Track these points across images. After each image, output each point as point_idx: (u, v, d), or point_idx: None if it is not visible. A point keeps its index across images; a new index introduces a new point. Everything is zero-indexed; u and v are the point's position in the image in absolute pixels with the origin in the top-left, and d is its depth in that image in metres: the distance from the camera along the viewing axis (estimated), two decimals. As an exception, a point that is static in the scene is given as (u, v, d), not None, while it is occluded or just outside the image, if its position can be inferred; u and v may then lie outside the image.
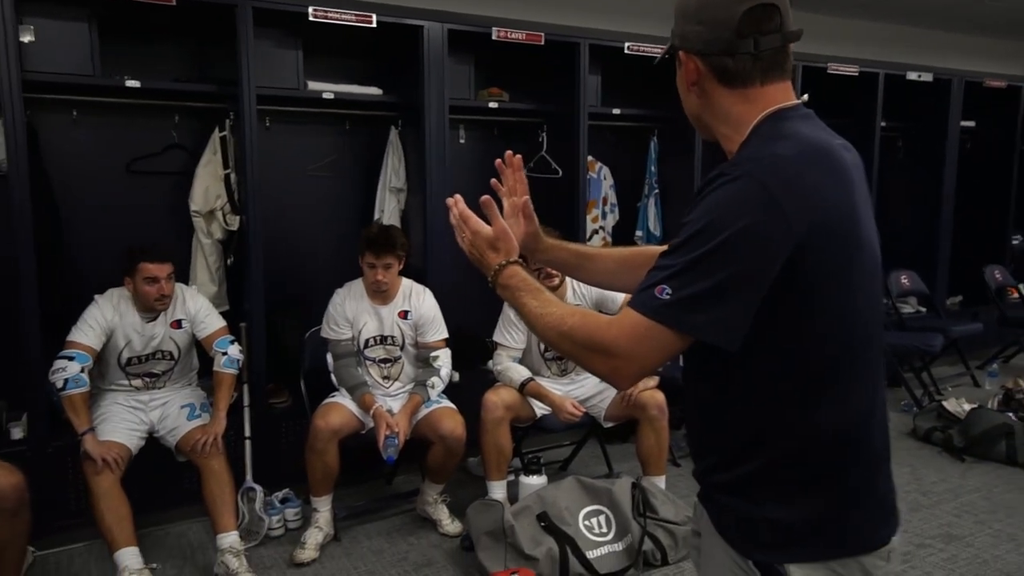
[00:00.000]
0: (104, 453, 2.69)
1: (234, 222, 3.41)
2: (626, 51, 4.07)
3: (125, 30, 3.32)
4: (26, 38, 3.00)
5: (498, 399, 3.15)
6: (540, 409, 3.28)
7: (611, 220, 4.58)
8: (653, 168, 4.50)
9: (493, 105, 3.99)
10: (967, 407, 4.22)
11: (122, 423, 2.87)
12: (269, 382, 3.46)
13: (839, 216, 1.08)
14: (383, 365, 3.25)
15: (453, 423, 3.09)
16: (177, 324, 3.00)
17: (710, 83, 1.16)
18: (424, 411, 3.15)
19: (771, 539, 1.13)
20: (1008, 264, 5.95)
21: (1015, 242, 6.23)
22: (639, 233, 4.53)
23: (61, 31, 3.12)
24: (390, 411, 3.08)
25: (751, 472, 1.14)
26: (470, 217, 1.33)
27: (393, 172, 3.82)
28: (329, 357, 3.23)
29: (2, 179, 2.93)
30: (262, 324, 3.35)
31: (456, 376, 3.46)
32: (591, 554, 2.77)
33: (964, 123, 5.66)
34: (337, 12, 3.36)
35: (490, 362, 3.42)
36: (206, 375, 3.15)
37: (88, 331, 2.82)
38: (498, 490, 3.17)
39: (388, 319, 3.21)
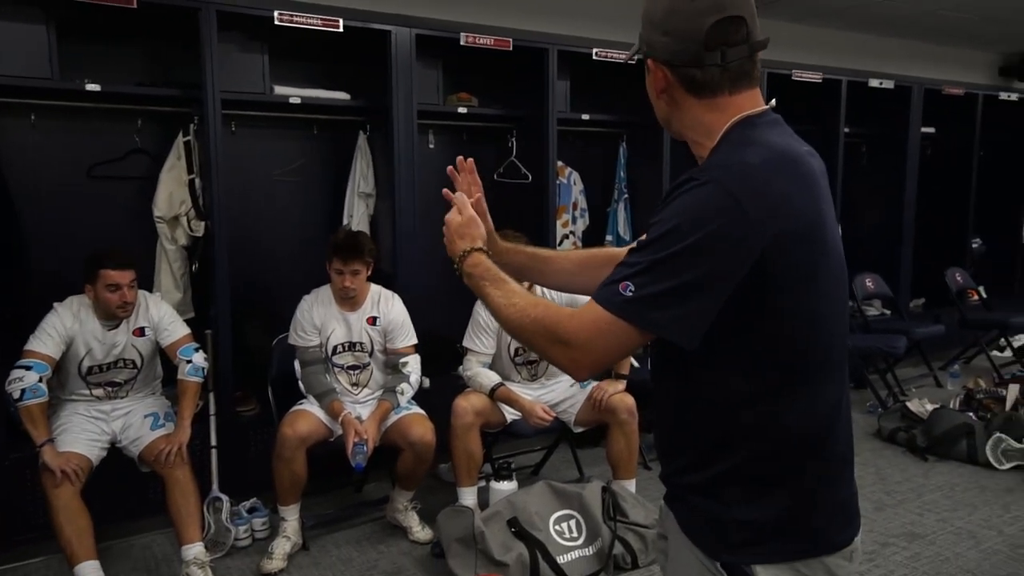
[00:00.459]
0: (63, 464, 2.63)
1: (199, 228, 3.35)
2: (594, 57, 4.10)
3: (85, 32, 3.25)
4: (-19, 40, 2.94)
5: (468, 404, 3.14)
6: (510, 414, 3.27)
7: (581, 225, 4.61)
8: (622, 173, 4.54)
9: (462, 110, 3.98)
10: (930, 407, 4.31)
11: (82, 433, 2.81)
12: (237, 389, 3.41)
13: (806, 222, 1.09)
14: (352, 372, 3.22)
15: (423, 429, 3.07)
16: (140, 332, 2.95)
17: (679, 92, 1.17)
18: (393, 417, 3.13)
19: (739, 540, 1.14)
20: (968, 267, 6.09)
21: (975, 245, 6.40)
22: (609, 238, 4.56)
23: (18, 33, 3.06)
24: (359, 418, 3.05)
25: (721, 473, 1.15)
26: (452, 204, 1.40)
27: (362, 177, 3.80)
28: (297, 364, 3.20)
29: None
30: (228, 331, 3.30)
31: (427, 382, 3.44)
32: (561, 559, 2.77)
33: (924, 129, 5.80)
34: (303, 16, 3.33)
35: (460, 367, 3.41)
36: (171, 384, 3.09)
37: (47, 340, 2.76)
38: (468, 496, 3.16)
39: (356, 325, 3.18)
